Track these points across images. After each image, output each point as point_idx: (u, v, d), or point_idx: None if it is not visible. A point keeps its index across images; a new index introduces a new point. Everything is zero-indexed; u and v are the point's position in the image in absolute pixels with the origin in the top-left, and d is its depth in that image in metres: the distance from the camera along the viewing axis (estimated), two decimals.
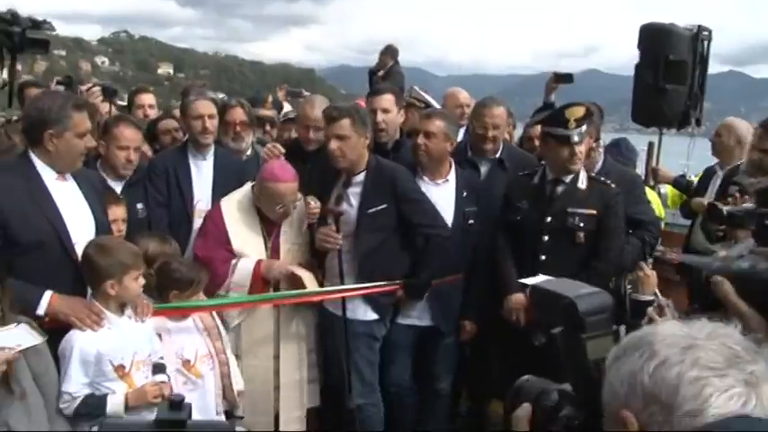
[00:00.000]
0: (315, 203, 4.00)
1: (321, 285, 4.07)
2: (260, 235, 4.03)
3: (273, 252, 4.03)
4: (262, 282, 3.94)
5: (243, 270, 3.92)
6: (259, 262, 3.95)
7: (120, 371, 3.13)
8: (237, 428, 0.99)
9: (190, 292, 3.54)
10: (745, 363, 1.08)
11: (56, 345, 3.07)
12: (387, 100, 4.47)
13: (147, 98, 5.67)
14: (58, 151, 3.22)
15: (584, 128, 3.88)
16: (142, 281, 3.21)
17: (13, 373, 2.77)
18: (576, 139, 3.85)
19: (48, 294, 3.09)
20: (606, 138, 6.20)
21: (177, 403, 1.03)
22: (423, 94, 5.56)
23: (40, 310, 3.07)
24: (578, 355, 1.31)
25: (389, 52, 9.61)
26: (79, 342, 3.06)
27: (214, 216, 4.03)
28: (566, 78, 5.72)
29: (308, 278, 3.95)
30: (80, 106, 3.31)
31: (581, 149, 3.89)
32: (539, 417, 1.37)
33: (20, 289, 2.94)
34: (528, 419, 1.37)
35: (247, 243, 4.00)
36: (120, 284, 3.12)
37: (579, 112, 3.90)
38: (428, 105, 5.41)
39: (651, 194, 5.09)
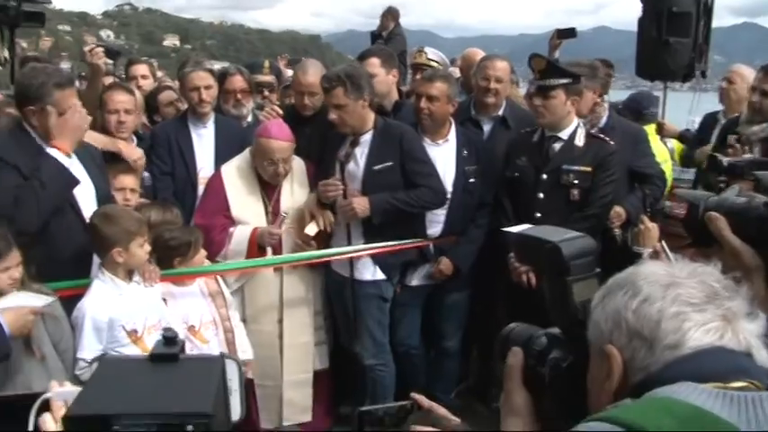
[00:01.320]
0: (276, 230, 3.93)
1: (327, 245, 4.08)
2: (260, 199, 4.05)
3: (273, 216, 4.03)
4: (257, 249, 3.94)
5: (239, 237, 3.94)
6: (255, 229, 3.95)
7: (133, 336, 3.18)
8: (227, 360, 1.03)
9: (191, 254, 3.54)
10: (723, 299, 1.11)
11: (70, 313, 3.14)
12: (372, 64, 4.45)
13: (141, 69, 5.70)
14: (42, 127, 3.24)
15: (552, 81, 3.82)
16: (148, 247, 3.25)
17: (33, 338, 2.85)
18: (541, 89, 3.83)
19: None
20: (617, 95, 6.10)
21: (171, 339, 1.08)
22: (435, 52, 5.47)
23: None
24: (564, 297, 1.33)
25: (390, 14, 9.53)
26: (91, 310, 3.12)
27: (214, 183, 4.06)
28: (568, 33, 5.61)
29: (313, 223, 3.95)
30: (62, 84, 3.27)
31: (547, 103, 3.83)
32: (529, 361, 1.38)
33: None
34: (521, 366, 1.39)
35: (247, 208, 4.01)
36: (127, 251, 3.16)
37: (540, 64, 3.87)
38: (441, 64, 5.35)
39: (659, 148, 5.04)
